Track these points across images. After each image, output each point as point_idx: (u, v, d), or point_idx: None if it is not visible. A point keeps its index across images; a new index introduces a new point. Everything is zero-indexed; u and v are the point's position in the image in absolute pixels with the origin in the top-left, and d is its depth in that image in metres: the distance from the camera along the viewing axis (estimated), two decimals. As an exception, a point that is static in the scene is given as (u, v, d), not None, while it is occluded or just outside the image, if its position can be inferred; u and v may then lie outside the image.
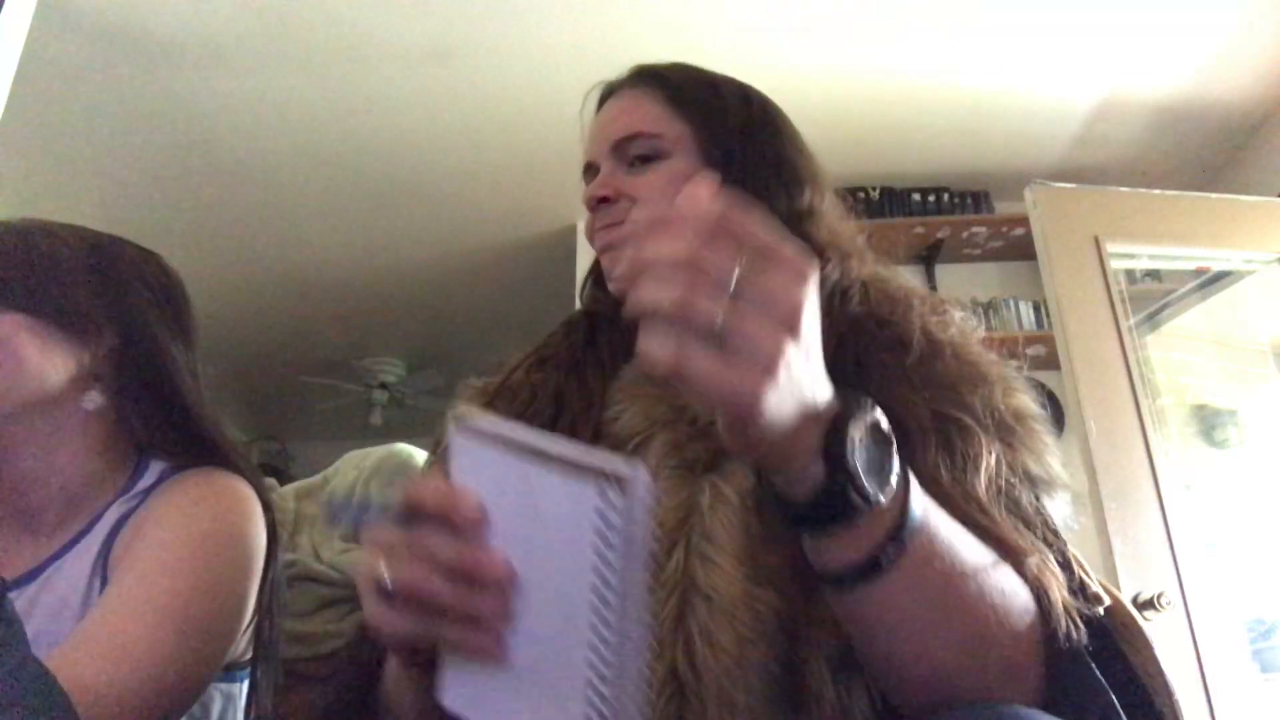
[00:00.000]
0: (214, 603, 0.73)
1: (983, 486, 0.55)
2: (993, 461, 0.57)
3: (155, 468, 0.85)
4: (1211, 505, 2.20)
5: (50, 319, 0.80)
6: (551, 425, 0.67)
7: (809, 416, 0.41)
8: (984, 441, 0.57)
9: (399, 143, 2.95)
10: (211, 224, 3.43)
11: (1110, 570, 1.77)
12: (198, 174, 3.09)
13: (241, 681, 0.87)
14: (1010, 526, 0.54)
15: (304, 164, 3.06)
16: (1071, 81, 2.68)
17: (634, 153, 0.73)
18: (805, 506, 0.44)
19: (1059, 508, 0.60)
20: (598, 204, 0.73)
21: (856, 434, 0.43)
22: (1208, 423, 2.39)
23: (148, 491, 0.82)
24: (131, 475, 0.84)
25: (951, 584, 0.47)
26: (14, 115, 1.88)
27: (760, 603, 0.55)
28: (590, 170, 0.78)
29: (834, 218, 0.75)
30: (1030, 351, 2.75)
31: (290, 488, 1.21)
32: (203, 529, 0.76)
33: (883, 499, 0.43)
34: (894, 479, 0.44)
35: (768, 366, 0.37)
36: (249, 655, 0.85)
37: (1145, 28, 2.43)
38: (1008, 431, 0.59)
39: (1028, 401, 0.63)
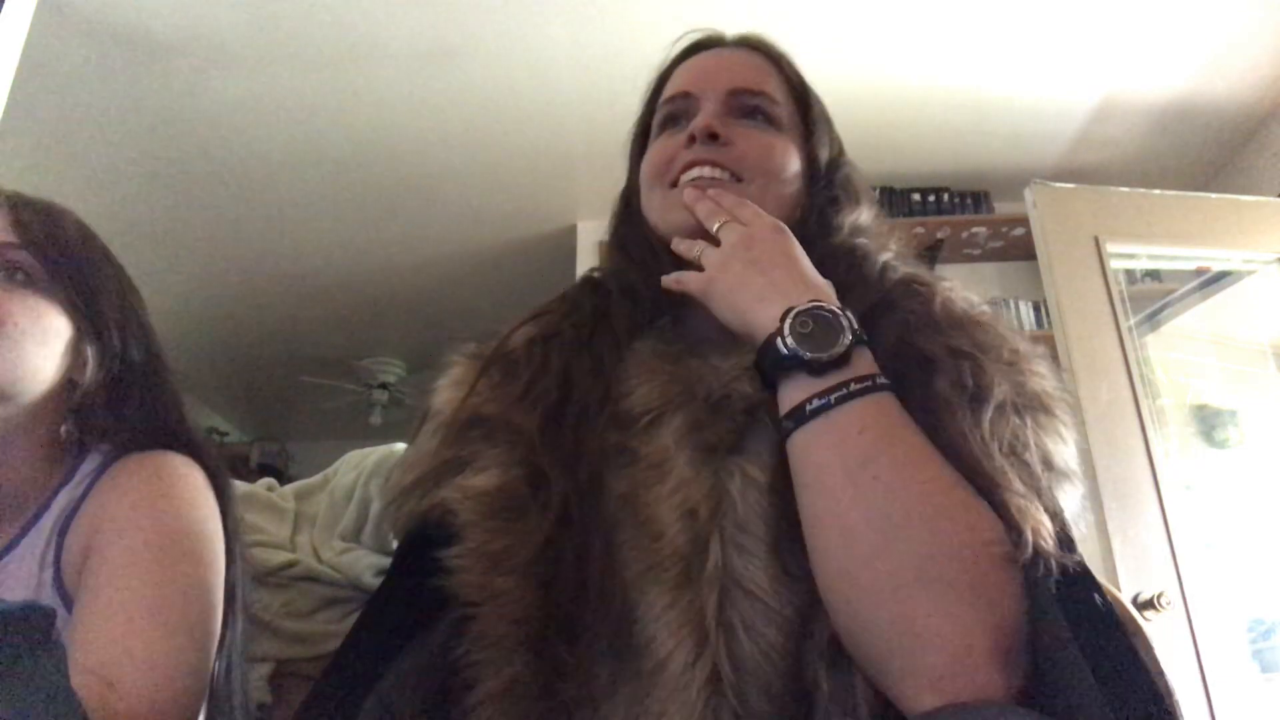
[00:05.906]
0: (208, 599, 0.72)
1: (988, 425, 0.56)
2: (1003, 397, 0.58)
3: (97, 451, 0.80)
4: (1211, 505, 2.20)
5: (82, 319, 0.77)
6: (559, 408, 0.66)
7: (765, 300, 0.59)
8: (995, 381, 0.58)
9: (399, 143, 2.95)
10: (211, 224, 3.43)
11: (1110, 570, 1.77)
12: (197, 174, 3.09)
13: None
14: (1004, 468, 0.54)
15: (304, 164, 3.05)
16: (1071, 81, 2.68)
17: (750, 104, 0.75)
18: (762, 362, 0.58)
19: (1069, 500, 0.60)
20: (708, 137, 0.72)
21: (795, 314, 0.57)
22: (1208, 423, 2.39)
23: (92, 477, 0.77)
24: (74, 460, 0.79)
25: (882, 462, 0.52)
26: (14, 115, 1.88)
27: (795, 594, 0.56)
28: (679, 99, 0.77)
29: (877, 223, 0.78)
30: (1030, 351, 2.74)
31: (290, 488, 1.20)
32: (175, 524, 0.73)
33: (805, 355, 0.55)
34: (833, 350, 0.55)
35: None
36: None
37: (1145, 28, 2.43)
38: (1026, 410, 0.59)
39: (1052, 384, 0.63)
